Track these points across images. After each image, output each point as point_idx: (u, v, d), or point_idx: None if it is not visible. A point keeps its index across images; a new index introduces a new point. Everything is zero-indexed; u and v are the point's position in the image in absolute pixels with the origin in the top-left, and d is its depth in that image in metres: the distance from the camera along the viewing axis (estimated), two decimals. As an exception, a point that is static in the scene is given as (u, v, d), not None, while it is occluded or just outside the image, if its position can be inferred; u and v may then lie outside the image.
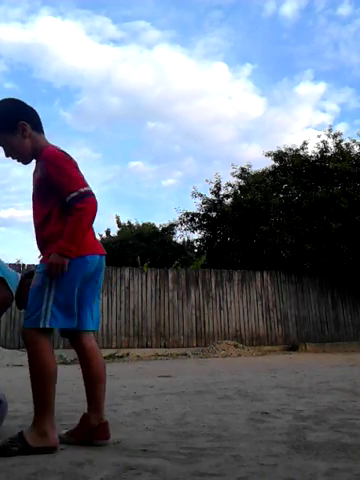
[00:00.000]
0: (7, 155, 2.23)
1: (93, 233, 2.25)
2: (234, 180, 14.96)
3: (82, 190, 2.05)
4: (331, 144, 14.33)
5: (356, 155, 13.91)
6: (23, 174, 34.55)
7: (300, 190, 13.95)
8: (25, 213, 32.85)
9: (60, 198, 2.08)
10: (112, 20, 40.72)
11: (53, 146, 2.21)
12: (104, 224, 36.42)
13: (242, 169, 14.96)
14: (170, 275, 11.80)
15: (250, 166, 15.07)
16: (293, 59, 39.93)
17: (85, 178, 2.15)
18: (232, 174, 15.03)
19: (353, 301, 13.42)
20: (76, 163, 2.18)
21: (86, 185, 2.09)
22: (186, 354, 10.49)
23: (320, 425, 2.49)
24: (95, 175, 35.08)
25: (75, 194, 2.03)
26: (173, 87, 35.29)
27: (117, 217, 19.86)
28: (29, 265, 10.87)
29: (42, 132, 2.28)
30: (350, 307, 13.41)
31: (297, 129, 34.28)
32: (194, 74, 34.29)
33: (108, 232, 19.67)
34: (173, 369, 6.60)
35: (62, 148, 2.22)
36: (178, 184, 33.80)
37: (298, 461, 1.78)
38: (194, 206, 15.89)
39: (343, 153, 13.84)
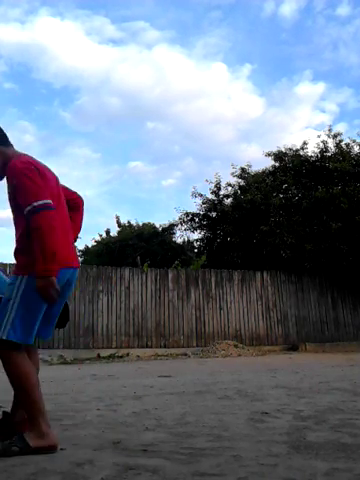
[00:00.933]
0: None
1: (67, 242, 2.22)
2: (234, 180, 14.97)
3: (36, 203, 2.01)
4: (331, 144, 14.33)
5: (356, 155, 13.90)
6: (23, 174, 34.41)
7: (300, 190, 13.95)
8: (25, 213, 32.72)
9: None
10: (111, 20, 40.72)
11: (18, 158, 2.18)
12: (104, 224, 36.54)
13: (242, 169, 14.96)
14: (170, 275, 11.81)
15: (250, 166, 15.07)
16: (292, 59, 39.94)
17: (55, 187, 2.16)
18: (232, 174, 15.03)
19: (353, 301, 13.41)
20: (43, 172, 2.14)
21: (42, 197, 2.03)
22: (186, 354, 10.49)
23: (320, 425, 2.49)
24: (95, 175, 35.14)
25: (29, 208, 2.01)
26: (172, 87, 35.28)
27: (117, 217, 19.84)
28: (29, 265, 10.87)
29: (10, 145, 2.29)
30: (350, 307, 13.41)
31: (296, 129, 34.28)
32: (193, 74, 34.29)
33: (108, 232, 19.66)
34: (173, 369, 6.60)
35: (30, 157, 2.21)
36: (178, 184, 33.81)
37: (298, 461, 1.78)
38: (194, 206, 15.88)
39: (343, 153, 13.83)
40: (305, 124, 38.04)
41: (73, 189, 2.53)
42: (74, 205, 2.46)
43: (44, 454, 1.92)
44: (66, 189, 2.44)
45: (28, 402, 2.07)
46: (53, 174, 2.28)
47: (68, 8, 35.40)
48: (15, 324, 2.02)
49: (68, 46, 33.34)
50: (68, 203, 2.38)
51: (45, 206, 2.02)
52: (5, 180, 2.21)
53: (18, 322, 2.02)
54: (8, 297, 2.07)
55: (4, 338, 2.01)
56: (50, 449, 1.97)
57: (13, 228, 2.23)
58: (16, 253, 2.19)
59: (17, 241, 2.18)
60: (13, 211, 2.19)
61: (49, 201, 2.04)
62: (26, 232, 2.09)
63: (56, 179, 2.29)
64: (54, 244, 2.01)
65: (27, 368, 2.07)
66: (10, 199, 2.17)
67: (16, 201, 2.11)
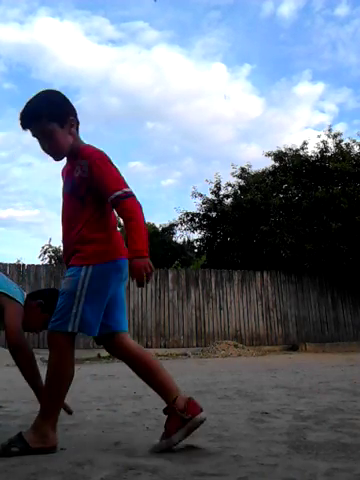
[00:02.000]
0: (43, 147, 2.09)
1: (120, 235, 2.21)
2: (234, 180, 14.99)
3: (126, 189, 2.02)
4: (331, 144, 14.34)
5: (356, 155, 13.91)
6: (22, 175, 34.56)
7: (300, 190, 13.96)
8: (24, 213, 32.86)
9: (100, 199, 2.05)
10: (110, 20, 40.79)
11: (92, 146, 2.16)
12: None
13: (242, 169, 14.97)
14: (170, 275, 11.81)
15: (250, 166, 15.09)
16: (291, 59, 39.98)
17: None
18: (232, 174, 15.04)
19: (353, 301, 13.41)
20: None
21: (128, 186, 2.05)
22: (186, 354, 10.49)
23: (320, 425, 2.48)
24: (95, 175, 35.06)
25: (119, 193, 1.99)
26: (172, 87, 35.32)
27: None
28: (29, 265, 10.87)
29: (78, 133, 2.19)
30: (350, 307, 13.41)
31: (296, 129, 34.31)
32: (193, 74, 34.32)
33: (108, 232, 19.65)
34: (173, 369, 6.58)
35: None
36: (177, 184, 33.82)
37: (298, 461, 1.78)
38: (194, 206, 15.90)
39: (343, 153, 13.84)
40: (304, 124, 38.09)
41: None
42: None
43: (44, 454, 1.91)
44: None
45: (53, 395, 2.01)
46: None
47: (67, 8, 35.45)
48: (83, 316, 1.97)
49: (67, 46, 33.39)
50: None
51: (133, 194, 2.04)
52: (64, 166, 2.19)
53: (87, 314, 1.98)
54: (71, 289, 1.99)
55: (75, 331, 1.97)
56: (50, 450, 1.95)
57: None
58: (78, 243, 2.06)
59: (79, 231, 2.06)
60: (74, 198, 2.10)
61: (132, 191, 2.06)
62: (95, 219, 2.06)
63: None
64: (145, 231, 2.04)
65: (69, 363, 2.02)
66: (79, 185, 2.07)
67: (87, 187, 2.04)
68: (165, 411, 2.10)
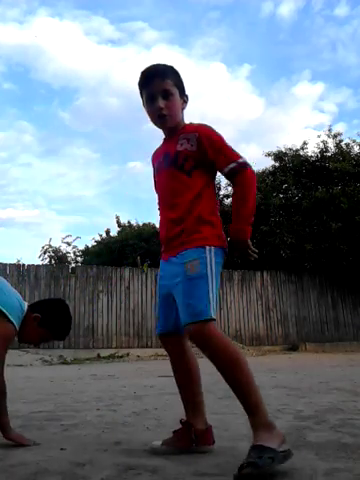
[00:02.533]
0: (161, 107, 1.98)
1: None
2: (234, 180, 14.97)
3: (240, 160, 1.91)
4: (331, 144, 14.35)
5: (356, 155, 13.91)
6: (22, 175, 34.53)
7: (300, 190, 13.96)
8: (24, 213, 32.81)
9: (207, 176, 1.97)
10: (110, 21, 40.76)
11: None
12: (104, 224, 36.53)
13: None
14: (170, 275, 11.81)
15: (250, 166, 15.08)
16: (291, 59, 39.99)
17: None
18: (232, 174, 15.03)
19: (353, 301, 13.42)
20: None
21: (242, 156, 1.94)
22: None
23: (320, 425, 2.48)
24: (94, 175, 35.09)
25: (234, 165, 1.89)
26: (172, 87, 35.23)
27: (117, 217, 19.84)
28: (29, 265, 10.87)
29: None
30: (350, 307, 13.41)
31: (295, 129, 34.26)
32: (192, 74, 34.27)
33: (108, 232, 19.66)
34: (173, 369, 6.57)
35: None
36: (177, 184, 33.72)
37: (298, 461, 1.78)
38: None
39: (343, 153, 13.84)
40: (304, 124, 38.09)
41: None
42: None
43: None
44: None
45: (248, 388, 1.77)
46: None
47: (66, 8, 35.40)
48: (213, 301, 1.81)
49: (67, 46, 33.33)
50: None
51: (248, 164, 1.93)
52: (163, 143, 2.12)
53: (214, 298, 1.82)
54: (202, 272, 1.81)
55: (214, 317, 1.79)
56: (285, 443, 1.70)
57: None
58: (197, 225, 1.90)
59: (189, 209, 1.91)
60: (177, 172, 1.97)
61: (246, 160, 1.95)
62: (205, 197, 1.94)
63: None
64: (254, 206, 1.93)
65: (234, 349, 1.81)
66: (185, 158, 1.95)
67: (196, 162, 1.94)
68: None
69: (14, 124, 35.67)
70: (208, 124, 2.04)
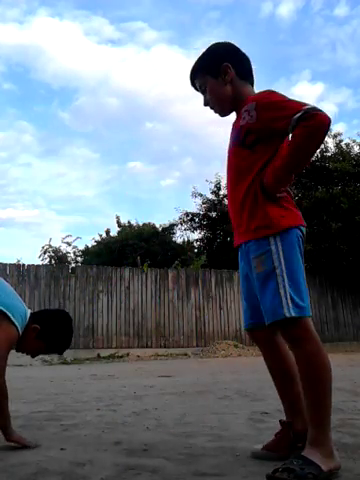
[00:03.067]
0: (205, 104, 1.94)
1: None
2: (234, 180, 14.98)
3: (306, 108, 1.61)
4: (331, 144, 14.37)
5: (356, 155, 13.92)
6: (21, 175, 34.52)
7: (300, 190, 13.96)
8: (24, 213, 32.80)
9: (274, 144, 1.74)
10: (109, 21, 40.69)
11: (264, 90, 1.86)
12: (104, 224, 36.52)
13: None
14: (170, 275, 11.81)
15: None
16: (291, 60, 39.96)
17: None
18: (232, 174, 15.05)
19: (353, 301, 13.42)
20: None
21: (308, 104, 1.64)
22: (186, 354, 10.50)
23: (320, 425, 2.48)
24: (94, 175, 35.05)
25: (299, 114, 1.60)
26: (171, 87, 35.25)
27: (117, 217, 19.84)
28: (29, 265, 10.87)
29: (250, 83, 1.93)
30: (350, 307, 13.41)
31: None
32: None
33: (108, 232, 19.67)
34: (173, 369, 6.59)
35: None
36: (177, 184, 33.76)
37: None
38: (194, 206, 15.93)
39: (343, 153, 13.85)
40: (304, 124, 38.03)
41: None
42: None
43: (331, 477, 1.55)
44: None
45: (323, 404, 1.60)
46: None
47: (66, 8, 35.36)
48: (294, 296, 1.64)
49: (66, 46, 33.30)
50: None
51: (316, 108, 1.61)
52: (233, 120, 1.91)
53: (294, 293, 1.65)
54: (270, 269, 1.66)
55: (294, 316, 1.64)
56: (336, 470, 1.56)
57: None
58: (258, 208, 1.72)
59: (250, 186, 1.74)
60: (240, 149, 1.81)
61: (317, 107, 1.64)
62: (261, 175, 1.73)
63: None
64: (310, 151, 1.69)
65: (326, 356, 1.68)
66: (246, 133, 1.78)
67: (257, 135, 1.75)
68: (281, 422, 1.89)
69: (14, 124, 35.64)
70: (271, 89, 1.85)
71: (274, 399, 3.52)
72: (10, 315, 2.12)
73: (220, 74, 1.87)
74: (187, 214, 15.24)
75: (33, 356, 2.35)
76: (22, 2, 35.01)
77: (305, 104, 1.64)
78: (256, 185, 1.73)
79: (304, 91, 36.63)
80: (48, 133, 34.74)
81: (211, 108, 1.95)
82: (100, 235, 19.72)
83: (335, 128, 24.68)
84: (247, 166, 1.77)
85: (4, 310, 2.11)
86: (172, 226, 17.63)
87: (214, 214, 14.89)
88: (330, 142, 14.36)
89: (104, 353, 10.10)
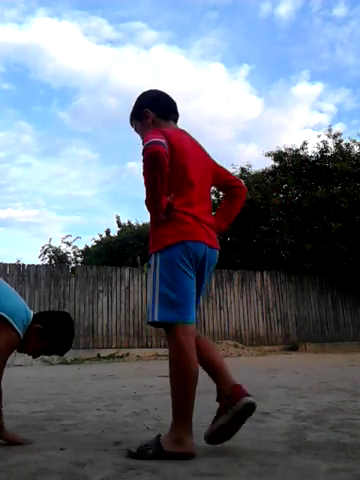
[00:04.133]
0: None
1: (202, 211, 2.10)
2: (234, 180, 14.97)
3: (145, 143, 1.90)
4: (331, 144, 14.34)
5: (356, 155, 13.91)
6: (21, 175, 34.53)
7: (300, 190, 13.95)
8: (23, 213, 32.81)
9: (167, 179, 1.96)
10: (108, 21, 40.68)
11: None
12: (104, 224, 36.50)
13: (242, 169, 14.98)
14: (170, 275, 11.81)
15: (250, 166, 15.09)
16: (290, 60, 39.89)
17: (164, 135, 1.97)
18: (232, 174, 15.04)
19: (353, 301, 13.42)
20: (164, 131, 2.02)
21: (150, 137, 1.90)
22: (186, 354, 10.48)
23: (320, 425, 2.48)
24: (94, 175, 35.06)
25: (142, 151, 1.90)
26: (170, 87, 35.16)
27: (117, 217, 19.82)
28: (29, 265, 10.87)
29: (174, 120, 2.27)
30: (350, 307, 13.41)
31: (294, 129, 34.25)
32: (191, 75, 34.29)
33: (108, 232, 19.66)
34: (173, 369, 6.57)
35: (172, 129, 2.15)
36: (177, 184, 33.69)
37: (298, 461, 1.78)
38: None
39: (343, 153, 13.84)
40: (303, 124, 37.99)
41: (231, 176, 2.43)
42: (232, 193, 2.36)
43: (180, 460, 1.81)
44: (225, 171, 2.39)
45: (180, 395, 1.91)
46: (194, 143, 2.22)
47: (65, 9, 35.37)
48: (159, 305, 1.94)
49: (66, 47, 33.32)
50: (224, 188, 2.42)
51: (151, 142, 1.87)
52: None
53: (161, 302, 1.94)
54: (151, 279, 2.01)
55: (157, 321, 1.95)
56: (186, 456, 1.83)
57: None
58: (151, 230, 2.11)
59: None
60: None
61: (156, 140, 1.88)
62: None
63: (199, 147, 2.25)
64: (149, 179, 1.89)
65: (191, 354, 1.92)
66: None
67: None
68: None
69: (13, 124, 35.66)
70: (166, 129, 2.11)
71: (274, 399, 3.52)
72: (11, 321, 2.12)
73: (143, 118, 2.23)
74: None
75: (34, 357, 2.35)
76: (21, 2, 35.01)
77: (149, 139, 1.90)
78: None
79: (303, 91, 36.65)
80: (47, 133, 34.76)
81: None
82: (100, 235, 19.72)
83: (334, 128, 24.69)
84: None
85: (5, 315, 2.12)
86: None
87: (214, 214, 14.88)
88: (330, 142, 14.37)
89: (104, 353, 10.10)
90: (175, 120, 2.28)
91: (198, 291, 2.10)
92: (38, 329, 2.22)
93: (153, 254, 2.01)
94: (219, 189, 2.39)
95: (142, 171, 1.89)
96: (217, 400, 2.07)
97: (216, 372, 2.09)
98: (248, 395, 1.94)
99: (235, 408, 1.92)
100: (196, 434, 2.32)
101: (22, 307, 2.25)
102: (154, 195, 1.91)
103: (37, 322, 2.24)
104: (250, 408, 1.94)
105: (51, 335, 2.25)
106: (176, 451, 1.83)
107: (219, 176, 2.30)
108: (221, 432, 1.99)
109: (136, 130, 2.29)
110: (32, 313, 2.29)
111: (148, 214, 2.04)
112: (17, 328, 2.14)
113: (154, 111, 2.21)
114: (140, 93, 2.31)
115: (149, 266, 2.05)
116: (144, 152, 1.87)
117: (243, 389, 1.96)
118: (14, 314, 2.15)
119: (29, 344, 2.24)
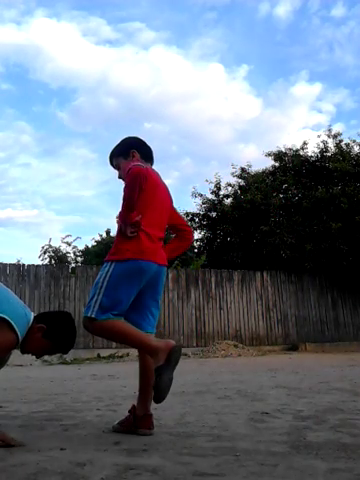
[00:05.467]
0: (119, 177, 2.66)
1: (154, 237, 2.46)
2: (234, 180, 14.97)
3: (130, 167, 2.34)
4: (331, 144, 14.34)
5: (356, 155, 13.91)
6: (20, 175, 34.51)
7: (300, 190, 13.94)
8: (23, 213, 32.80)
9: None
10: (107, 21, 40.62)
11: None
12: (104, 224, 36.50)
13: (242, 169, 14.97)
14: (170, 275, 11.80)
15: (250, 166, 15.08)
16: (288, 60, 39.80)
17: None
18: (232, 174, 15.02)
19: (353, 301, 13.41)
20: (148, 172, 2.43)
21: (137, 163, 2.40)
22: (186, 354, 10.49)
23: (320, 425, 2.49)
24: (93, 175, 35.00)
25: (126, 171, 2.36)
26: (169, 88, 35.21)
27: (117, 217, 19.83)
28: (29, 265, 10.87)
29: (151, 164, 2.69)
30: (350, 307, 13.41)
31: (293, 129, 34.20)
32: (190, 75, 34.23)
33: (108, 232, 19.66)
34: (173, 369, 6.58)
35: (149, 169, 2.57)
36: (176, 184, 33.67)
37: (298, 461, 1.78)
38: (194, 206, 15.88)
39: (343, 153, 13.84)
40: (302, 124, 37.95)
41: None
42: (182, 234, 2.85)
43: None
44: (179, 215, 2.96)
45: (133, 340, 2.32)
46: (164, 185, 2.66)
47: (64, 9, 35.32)
48: (100, 305, 2.30)
49: (65, 47, 33.27)
50: (176, 229, 2.84)
51: (136, 165, 2.33)
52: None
53: (104, 300, 2.31)
54: (98, 280, 2.37)
55: (93, 316, 2.29)
56: (172, 350, 2.25)
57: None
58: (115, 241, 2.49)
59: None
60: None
61: (139, 164, 2.37)
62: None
63: (166, 189, 2.67)
64: (127, 196, 2.32)
65: (119, 324, 2.30)
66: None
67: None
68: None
69: (12, 124, 35.63)
70: (134, 165, 2.46)
71: (274, 399, 3.53)
72: (12, 323, 2.15)
73: (129, 156, 2.63)
74: (187, 214, 15.21)
75: (38, 356, 2.40)
76: (20, 3, 34.95)
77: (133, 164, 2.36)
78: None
79: (302, 91, 36.63)
80: (47, 133, 34.72)
81: (123, 180, 2.53)
82: (100, 235, 19.72)
83: (334, 128, 24.69)
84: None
85: (5, 317, 2.14)
86: (172, 226, 17.62)
87: (214, 214, 14.86)
88: (330, 142, 14.36)
89: (104, 353, 10.09)
90: (152, 164, 2.71)
91: (155, 300, 2.54)
92: (42, 329, 2.27)
93: (110, 261, 2.35)
94: (170, 228, 2.83)
95: (123, 187, 2.33)
96: (129, 411, 2.49)
97: (140, 390, 2.49)
98: (150, 432, 2.36)
99: (138, 432, 2.35)
100: (194, 433, 2.32)
101: (22, 310, 2.27)
102: (129, 204, 2.31)
103: (40, 322, 2.29)
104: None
105: (55, 334, 2.31)
106: (164, 358, 2.22)
107: (173, 218, 2.74)
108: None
109: (117, 166, 2.68)
110: (32, 315, 2.32)
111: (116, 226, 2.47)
112: (17, 330, 2.16)
113: (139, 153, 2.64)
114: (126, 137, 2.74)
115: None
116: (128, 171, 2.31)
117: (151, 422, 2.40)
118: (16, 316, 2.18)
119: (33, 344, 2.29)
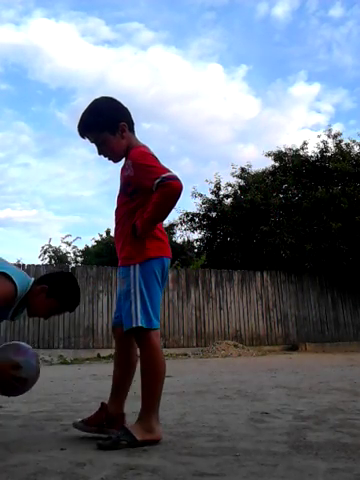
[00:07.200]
0: (100, 153, 2.29)
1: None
2: (234, 180, 14.99)
3: (164, 175, 2.05)
4: (331, 144, 14.36)
5: (356, 155, 13.92)
6: (20, 175, 34.56)
7: (300, 190, 13.95)
8: (22, 213, 32.86)
9: (146, 195, 2.12)
10: (105, 21, 40.73)
11: (139, 146, 2.25)
12: (104, 224, 36.50)
13: (242, 169, 14.98)
14: (170, 275, 11.79)
15: (250, 166, 15.09)
16: (287, 60, 39.96)
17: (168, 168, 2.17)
18: (232, 174, 15.04)
19: (353, 301, 13.42)
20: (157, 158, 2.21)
21: (168, 171, 2.10)
22: (186, 354, 10.49)
23: (320, 425, 2.48)
24: (92, 176, 35.08)
25: (158, 180, 2.03)
26: (168, 88, 35.32)
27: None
28: (29, 265, 10.87)
29: (134, 132, 2.32)
30: (350, 307, 13.41)
31: (292, 130, 34.28)
32: (189, 75, 34.28)
33: (108, 232, 19.67)
34: (173, 369, 6.59)
35: (147, 146, 2.28)
36: (176, 184, 33.69)
37: (298, 461, 1.78)
38: (194, 206, 15.89)
39: (343, 153, 13.85)
40: (301, 125, 38.05)
41: None
42: None
43: (150, 445, 1.99)
44: None
45: (151, 391, 2.11)
46: None
47: (63, 9, 35.37)
48: (141, 312, 2.10)
49: (63, 47, 33.33)
50: None
51: (173, 177, 2.06)
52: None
53: (142, 310, 2.11)
54: (128, 289, 2.14)
55: (140, 326, 2.09)
56: (156, 442, 2.04)
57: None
58: (124, 238, 2.21)
59: (118, 223, 2.25)
60: (124, 194, 2.25)
61: (174, 174, 2.10)
62: (132, 216, 2.16)
63: None
64: (166, 210, 2.13)
65: (162, 355, 2.15)
66: (127, 183, 2.22)
67: (135, 185, 2.17)
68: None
69: (11, 125, 35.71)
70: (144, 145, 2.25)
71: (274, 399, 3.53)
72: (9, 274, 2.19)
73: (117, 131, 2.22)
74: (187, 214, 15.22)
75: (46, 317, 2.43)
76: (18, 3, 35.01)
77: (166, 171, 2.07)
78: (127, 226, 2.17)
79: (301, 91, 36.66)
80: (46, 133, 34.77)
81: (105, 156, 2.30)
82: (100, 235, 19.73)
83: (334, 128, 24.70)
84: (128, 210, 2.20)
85: (4, 271, 2.19)
86: (172, 226, 17.61)
87: (214, 214, 14.87)
88: (330, 142, 14.38)
89: (104, 353, 10.09)
90: (134, 132, 2.33)
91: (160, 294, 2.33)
92: (44, 289, 2.31)
93: (132, 266, 2.14)
94: None
95: (160, 199, 2.04)
96: (100, 409, 2.28)
97: (119, 388, 2.30)
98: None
99: (109, 432, 2.17)
100: (194, 433, 2.32)
101: (20, 271, 2.33)
102: (161, 220, 2.20)
103: (40, 284, 2.33)
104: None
105: (59, 291, 2.33)
106: (148, 439, 2.02)
107: None
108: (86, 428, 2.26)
109: (95, 141, 2.26)
110: (33, 279, 2.37)
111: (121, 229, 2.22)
112: (15, 281, 2.19)
113: (128, 125, 2.26)
114: (104, 102, 2.28)
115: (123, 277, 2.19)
116: (170, 184, 2.03)
117: (124, 422, 2.21)
118: (13, 272, 2.24)
119: (39, 305, 2.32)
